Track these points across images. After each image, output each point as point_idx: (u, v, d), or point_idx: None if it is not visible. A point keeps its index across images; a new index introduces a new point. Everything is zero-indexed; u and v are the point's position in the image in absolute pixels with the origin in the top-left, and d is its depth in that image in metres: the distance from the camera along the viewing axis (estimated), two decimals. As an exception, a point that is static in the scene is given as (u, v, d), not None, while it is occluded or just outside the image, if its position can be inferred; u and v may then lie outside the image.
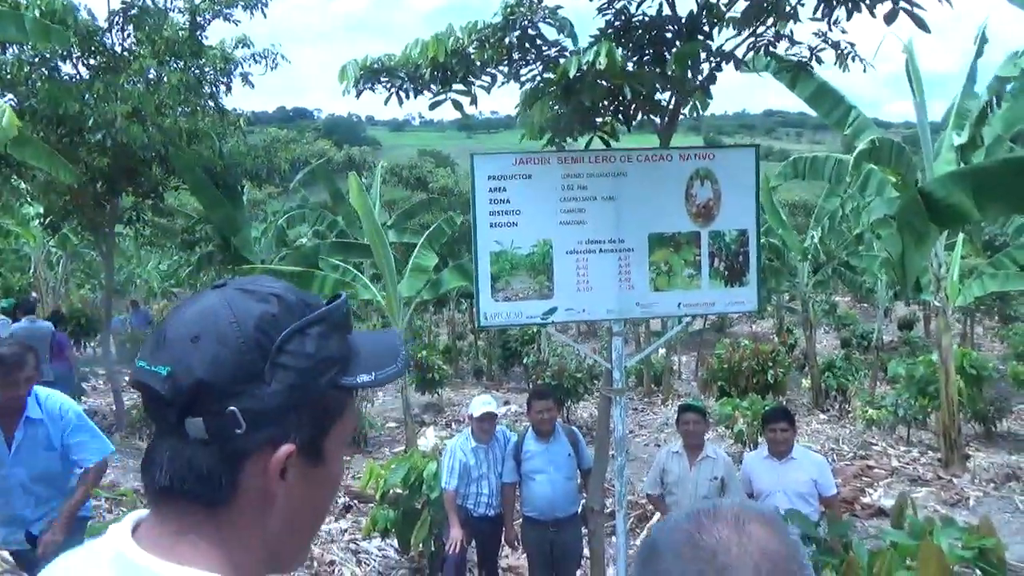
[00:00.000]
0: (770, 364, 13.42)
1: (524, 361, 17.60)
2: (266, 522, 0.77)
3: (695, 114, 5.43)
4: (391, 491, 5.58)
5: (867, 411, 11.80)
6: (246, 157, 10.15)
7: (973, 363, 10.61)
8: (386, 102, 4.82)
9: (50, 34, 6.65)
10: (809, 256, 16.18)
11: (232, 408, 0.73)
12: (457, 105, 4.79)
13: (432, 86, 4.62)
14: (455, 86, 4.65)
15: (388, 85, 4.68)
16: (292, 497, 0.78)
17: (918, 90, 8.25)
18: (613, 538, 5.17)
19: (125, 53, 9.05)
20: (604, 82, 4.13)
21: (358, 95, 4.74)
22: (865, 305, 26.98)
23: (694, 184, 4.64)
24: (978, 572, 3.41)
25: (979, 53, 8.26)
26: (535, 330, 18.77)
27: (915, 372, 10.90)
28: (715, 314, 6.50)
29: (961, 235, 12.09)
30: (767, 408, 5.76)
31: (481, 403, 5.14)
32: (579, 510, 5.11)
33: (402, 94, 4.74)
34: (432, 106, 4.77)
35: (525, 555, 5.20)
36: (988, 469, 9.15)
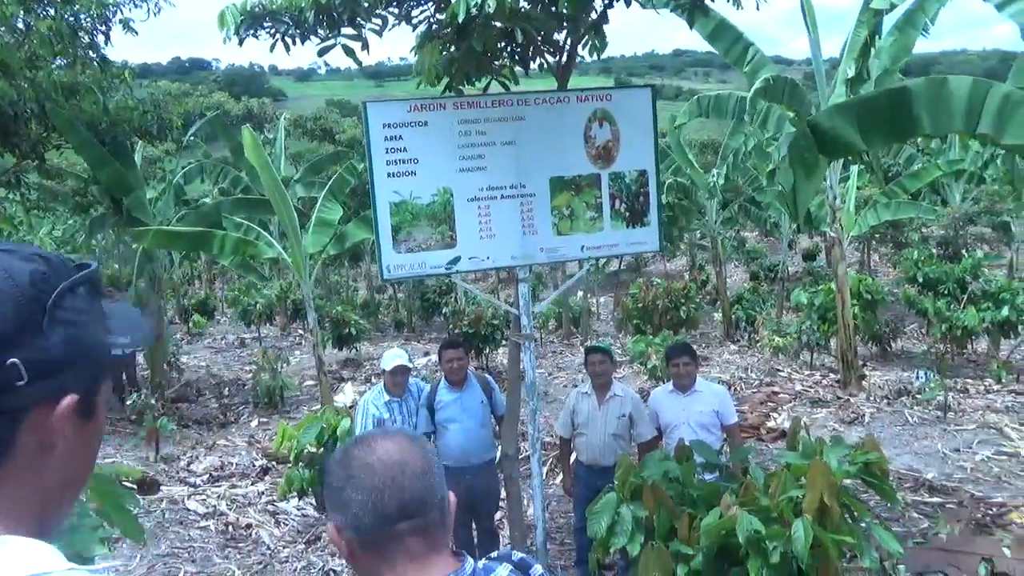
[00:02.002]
0: (682, 301, 13.84)
1: (443, 311, 17.58)
2: (43, 478, 0.78)
3: (595, 55, 5.38)
4: (305, 450, 5.52)
5: (773, 339, 12.34)
6: (133, 112, 9.55)
7: (867, 288, 11.19)
8: (271, 49, 4.56)
9: None
10: (716, 194, 16.59)
11: (14, 360, 0.72)
12: (348, 51, 4.57)
13: (319, 30, 4.41)
14: (344, 30, 4.45)
15: (272, 31, 4.43)
16: (68, 451, 0.79)
17: (812, 26, 8.43)
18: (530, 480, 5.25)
19: (-15, 1, 8.27)
20: (498, 23, 4.01)
21: (240, 42, 4.47)
22: (772, 239, 28.00)
23: (592, 126, 4.63)
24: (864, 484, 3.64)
25: (870, -14, 8.45)
26: (451, 280, 18.73)
27: (815, 300, 11.43)
28: (618, 255, 6.60)
29: (857, 167, 12.60)
30: (669, 344, 5.92)
31: (392, 356, 5.09)
32: (495, 456, 5.18)
33: (288, 40, 4.50)
34: (320, 52, 4.55)
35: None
36: (883, 387, 9.75)
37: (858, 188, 13.70)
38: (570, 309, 17.76)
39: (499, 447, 5.14)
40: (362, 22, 4.38)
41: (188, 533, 5.51)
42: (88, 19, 9.61)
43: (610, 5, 4.29)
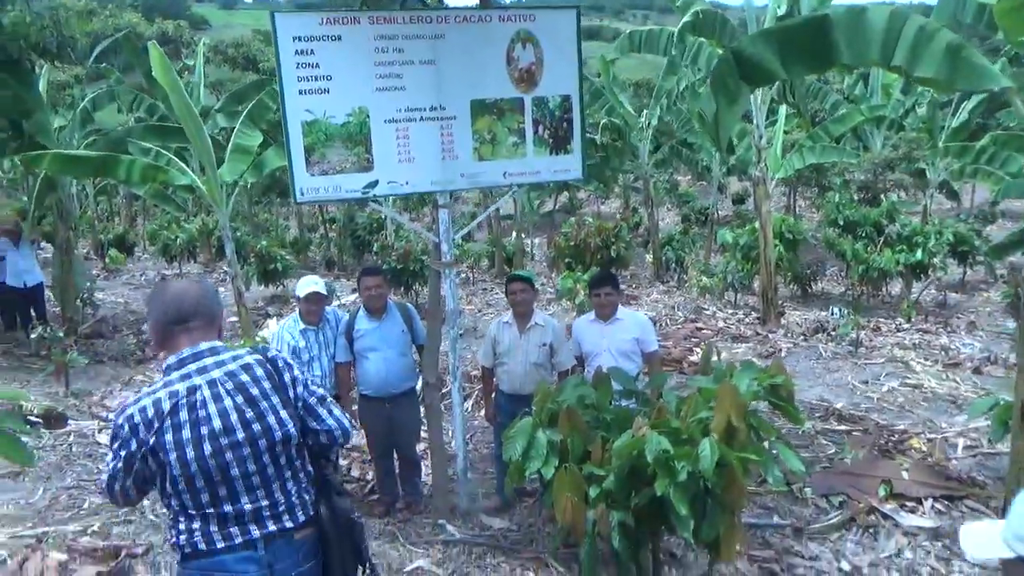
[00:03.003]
0: (613, 240, 13.92)
1: (373, 248, 17.32)
2: None
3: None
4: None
5: (701, 280, 12.61)
6: (30, 28, 8.85)
7: (790, 228, 11.47)
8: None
9: None
10: (649, 135, 16.63)
11: None
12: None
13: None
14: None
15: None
16: None
17: (743, -40, 8.35)
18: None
19: None
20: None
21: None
22: (704, 183, 28.38)
23: (516, 47, 4.50)
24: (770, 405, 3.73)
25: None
26: (383, 216, 18.41)
27: (740, 240, 11.66)
28: (541, 183, 6.53)
29: (785, 110, 12.76)
30: (593, 275, 5.92)
31: (306, 283, 4.94)
32: (416, 386, 5.14)
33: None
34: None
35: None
36: (800, 324, 10.09)
37: (785, 132, 13.92)
38: (503, 248, 17.72)
39: (420, 376, 5.10)
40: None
41: (96, 466, 5.32)
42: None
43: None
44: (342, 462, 5.60)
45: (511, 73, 4.50)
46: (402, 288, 12.61)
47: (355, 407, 5.12)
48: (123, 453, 2.19)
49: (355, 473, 5.65)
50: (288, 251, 16.33)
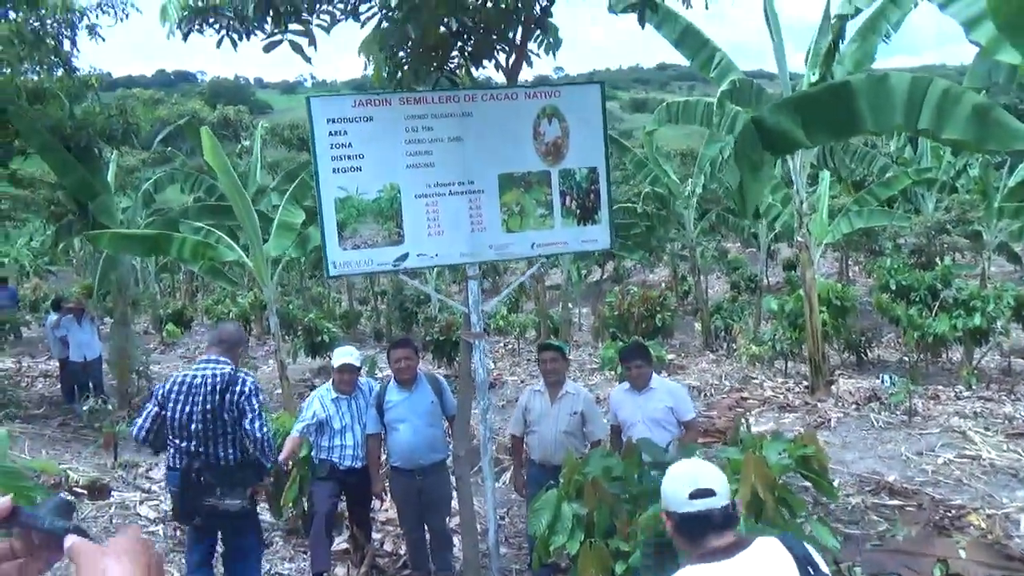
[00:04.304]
0: (658, 309, 13.83)
1: (419, 320, 17.52)
2: None
3: (550, 53, 5.36)
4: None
5: (750, 348, 12.37)
6: (98, 117, 9.46)
7: (838, 294, 11.22)
8: (218, 45, 4.52)
9: None
10: (693, 203, 16.65)
11: None
12: (296, 47, 4.53)
13: (264, 26, 4.37)
14: (291, 26, 4.42)
15: (217, 26, 4.39)
16: None
17: (776, 30, 8.48)
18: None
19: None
20: (438, 12, 3.98)
21: (184, 37, 4.43)
22: (753, 250, 28.09)
23: (542, 122, 4.61)
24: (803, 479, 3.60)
25: (833, -8, 8.49)
26: (414, 284, 18.67)
27: (786, 307, 11.45)
28: (569, 253, 6.56)
29: (828, 175, 12.68)
30: (623, 347, 5.89)
31: (341, 354, 5.03)
32: (447, 457, 5.11)
33: (233, 36, 4.46)
34: (267, 48, 4.50)
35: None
36: (853, 393, 9.75)
37: (832, 197, 13.79)
38: (550, 319, 17.72)
39: (451, 448, 5.08)
40: (307, 18, 4.35)
41: (135, 538, 5.39)
42: (54, 24, 9.55)
43: (552, 1, 4.28)
44: (375, 535, 5.56)
45: (538, 147, 4.60)
46: (445, 360, 12.67)
47: (386, 480, 5.11)
48: (152, 410, 4.39)
49: (388, 547, 5.59)
50: (338, 323, 16.62)
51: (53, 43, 9.53)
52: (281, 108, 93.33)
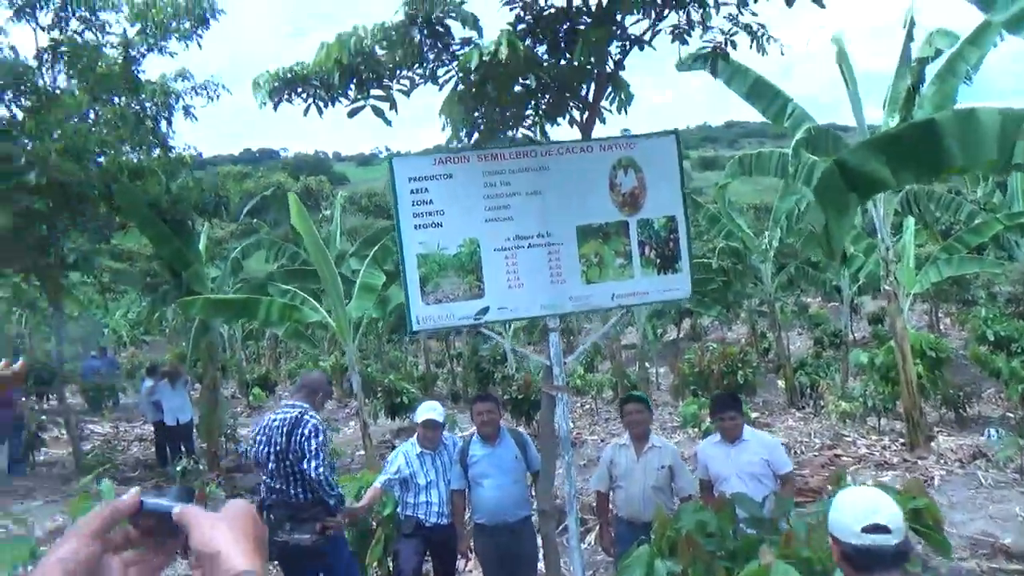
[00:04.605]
0: (739, 365, 13.45)
1: (495, 379, 17.52)
2: None
3: (622, 110, 5.43)
4: (342, 510, 5.45)
5: (839, 404, 11.84)
6: (192, 191, 10.05)
7: (931, 345, 10.70)
8: (305, 112, 4.76)
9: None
10: (770, 257, 16.32)
11: None
12: (377, 111, 4.74)
13: (348, 93, 4.59)
14: (373, 92, 4.63)
15: (304, 95, 4.63)
16: None
17: (850, 79, 8.38)
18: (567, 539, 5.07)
19: (57, 91, 8.94)
20: (513, 72, 4.11)
21: (275, 107, 4.69)
22: (835, 304, 27.18)
23: (618, 173, 4.64)
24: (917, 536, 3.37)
25: (909, 37, 8.37)
26: (503, 349, 18.75)
27: (876, 359, 10.96)
28: (649, 303, 6.45)
29: (913, 223, 12.26)
30: (714, 396, 5.73)
31: (425, 410, 5.06)
32: (531, 515, 5.03)
33: (319, 103, 4.70)
34: (351, 114, 4.73)
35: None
36: (955, 450, 9.17)
37: (918, 246, 13.30)
38: (626, 377, 17.46)
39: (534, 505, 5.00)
40: (388, 83, 4.56)
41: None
42: (153, 107, 10.26)
43: (626, 53, 4.35)
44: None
45: (615, 198, 4.63)
46: (523, 418, 12.58)
47: (471, 540, 5.04)
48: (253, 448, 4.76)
49: (472, 608, 5.48)
50: (416, 385, 16.79)
51: (152, 124, 10.25)
52: (357, 180, 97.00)
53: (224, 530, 0.75)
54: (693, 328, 29.55)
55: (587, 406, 16.37)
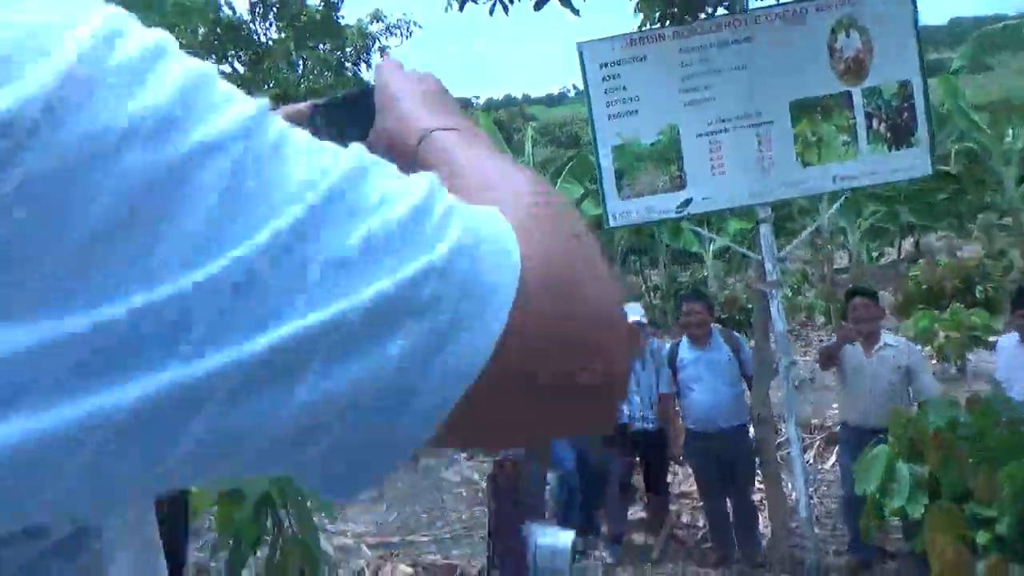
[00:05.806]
0: (977, 280, 11.91)
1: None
2: None
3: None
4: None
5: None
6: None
7: None
8: (491, 11, 4.66)
9: (190, 14, 7.08)
10: (1016, 160, 14.14)
11: None
12: (564, 1, 4.54)
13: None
14: (560, -18, 4.41)
15: (488, -7, 4.51)
16: None
17: None
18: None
19: (270, 43, 9.58)
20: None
21: (461, 7, 4.64)
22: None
23: (838, 37, 4.06)
24: None
25: None
26: (704, 274, 18.06)
27: None
28: (879, 185, 5.74)
29: None
30: (1018, 288, 4.91)
31: (626, 311, 4.87)
32: (747, 423, 4.70)
33: (505, 1, 4.57)
34: (537, 6, 4.57)
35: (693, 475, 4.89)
36: None
37: None
38: (838, 302, 16.14)
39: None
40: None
41: (441, 497, 5.74)
42: (352, 52, 10.73)
43: None
44: (671, 507, 5.29)
45: (835, 66, 4.06)
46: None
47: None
48: None
49: (685, 519, 5.31)
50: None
51: (352, 70, 10.75)
52: (546, 120, 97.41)
53: (400, 79, 0.57)
54: (917, 247, 26.71)
55: (796, 331, 15.38)
